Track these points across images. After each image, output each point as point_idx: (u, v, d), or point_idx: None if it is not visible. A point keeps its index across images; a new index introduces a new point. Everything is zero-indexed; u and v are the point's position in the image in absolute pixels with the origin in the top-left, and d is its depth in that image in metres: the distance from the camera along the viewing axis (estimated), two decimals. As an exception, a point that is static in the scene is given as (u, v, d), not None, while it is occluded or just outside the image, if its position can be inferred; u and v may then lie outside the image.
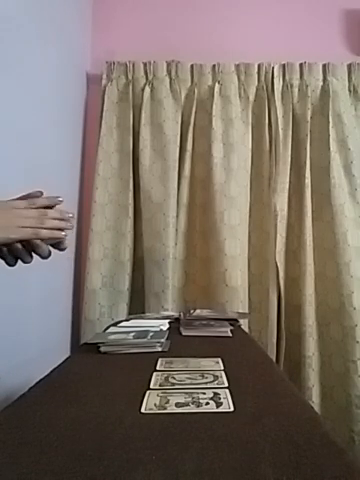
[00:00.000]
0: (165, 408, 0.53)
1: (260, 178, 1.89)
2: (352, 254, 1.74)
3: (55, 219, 0.66)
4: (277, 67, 1.93)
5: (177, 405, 0.54)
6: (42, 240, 0.64)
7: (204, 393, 0.58)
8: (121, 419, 0.50)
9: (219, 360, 0.77)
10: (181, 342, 1.00)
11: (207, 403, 0.54)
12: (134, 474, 0.37)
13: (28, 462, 0.39)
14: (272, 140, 1.89)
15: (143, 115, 1.88)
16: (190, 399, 0.56)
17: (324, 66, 1.93)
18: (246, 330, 1.57)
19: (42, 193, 0.69)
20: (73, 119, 1.87)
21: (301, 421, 0.49)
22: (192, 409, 0.52)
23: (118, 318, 1.66)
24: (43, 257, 0.65)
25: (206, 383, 0.63)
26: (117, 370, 0.76)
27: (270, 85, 1.91)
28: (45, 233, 0.64)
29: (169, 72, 1.93)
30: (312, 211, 1.83)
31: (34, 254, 0.66)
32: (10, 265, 0.65)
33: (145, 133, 1.88)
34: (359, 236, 1.79)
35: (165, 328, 1.13)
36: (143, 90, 1.90)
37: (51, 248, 0.67)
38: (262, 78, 1.92)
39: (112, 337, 0.95)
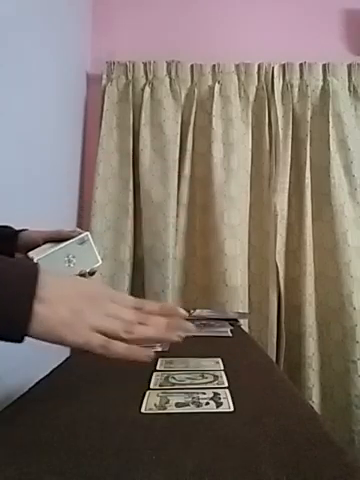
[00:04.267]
0: (165, 408, 0.53)
1: (260, 178, 1.89)
2: (352, 254, 1.74)
3: (173, 328, 0.48)
4: (277, 67, 1.93)
5: (177, 405, 0.54)
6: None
7: (204, 393, 0.58)
8: (121, 419, 0.50)
9: (219, 360, 0.77)
10: (181, 342, 1.00)
11: (207, 403, 0.54)
12: (134, 474, 0.37)
13: (28, 462, 0.39)
14: (272, 140, 1.89)
15: (143, 115, 1.88)
16: (190, 399, 0.56)
17: (324, 66, 1.93)
18: (246, 330, 1.57)
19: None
20: (73, 119, 1.87)
21: (301, 421, 0.49)
22: (192, 409, 0.52)
23: (118, 318, 1.66)
24: None
25: (206, 383, 0.63)
26: (117, 370, 0.76)
27: (270, 85, 1.91)
28: (118, 351, 0.45)
29: (169, 72, 1.93)
30: (312, 211, 1.83)
31: None
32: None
33: (145, 133, 1.88)
34: (359, 236, 1.79)
35: (165, 328, 1.13)
36: (143, 90, 1.90)
37: None
38: (262, 78, 1.92)
39: (112, 337, 0.94)
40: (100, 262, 0.78)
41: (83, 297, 0.44)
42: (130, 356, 0.46)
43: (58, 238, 0.75)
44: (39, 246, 0.74)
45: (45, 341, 0.42)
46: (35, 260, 0.70)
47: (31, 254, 0.71)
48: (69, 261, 0.73)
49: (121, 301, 0.46)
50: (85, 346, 0.43)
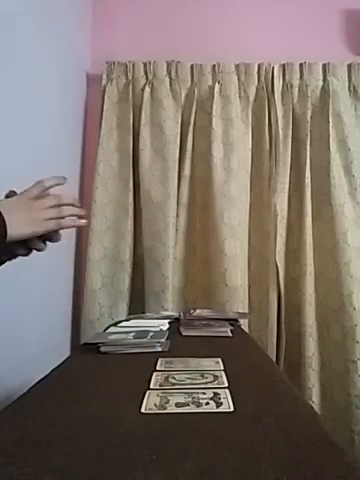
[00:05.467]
0: (165, 408, 0.53)
1: (260, 178, 1.89)
2: (352, 254, 1.74)
3: (70, 205, 0.68)
4: (277, 67, 1.93)
5: (177, 405, 0.54)
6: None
7: (204, 393, 0.58)
8: (121, 419, 0.50)
9: (219, 360, 0.77)
10: (181, 342, 1.00)
11: (207, 403, 0.54)
12: (134, 474, 0.37)
13: (28, 462, 0.39)
14: (272, 140, 1.89)
15: (143, 115, 1.88)
16: (190, 399, 0.56)
17: (324, 66, 1.93)
18: (246, 330, 1.57)
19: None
20: (73, 119, 1.87)
21: (301, 421, 0.49)
22: (192, 409, 0.52)
23: (118, 318, 1.66)
24: (54, 241, 0.67)
25: (206, 383, 0.63)
26: (117, 370, 0.76)
27: (270, 85, 1.91)
28: (67, 223, 0.66)
29: (169, 72, 1.93)
30: (312, 211, 1.83)
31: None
32: (25, 255, 0.66)
33: (145, 133, 1.88)
34: (359, 236, 1.79)
35: (165, 328, 1.13)
36: (143, 90, 1.90)
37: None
38: (262, 78, 1.92)
39: (112, 337, 0.95)
40: None
41: (25, 206, 0.62)
42: (76, 225, 0.71)
43: None
44: None
45: (25, 237, 0.61)
46: None
47: None
48: None
49: (35, 193, 0.64)
50: (48, 229, 0.63)
